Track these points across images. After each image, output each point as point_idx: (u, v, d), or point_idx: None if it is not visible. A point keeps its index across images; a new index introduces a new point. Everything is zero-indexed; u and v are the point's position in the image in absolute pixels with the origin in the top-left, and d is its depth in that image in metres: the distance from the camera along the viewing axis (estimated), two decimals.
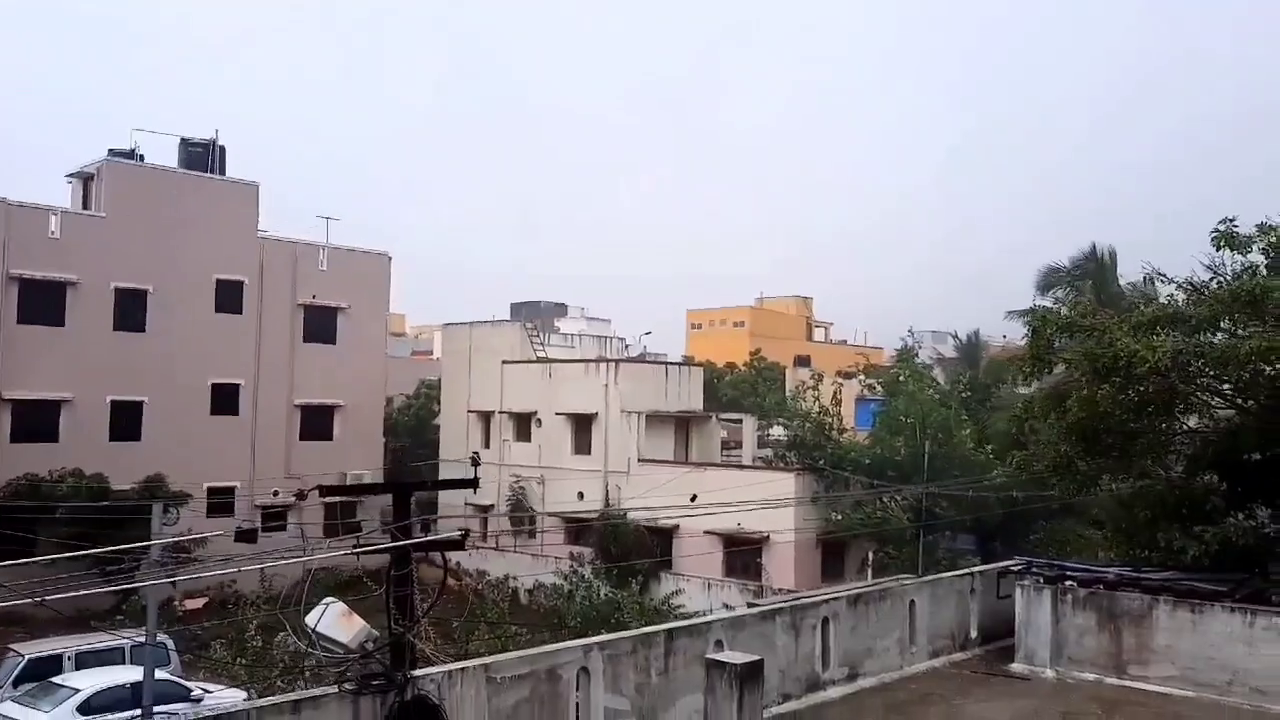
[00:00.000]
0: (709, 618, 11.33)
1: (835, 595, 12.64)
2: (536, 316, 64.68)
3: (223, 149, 39.71)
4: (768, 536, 33.25)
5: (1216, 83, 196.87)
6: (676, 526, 35.20)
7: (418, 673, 8.42)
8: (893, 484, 31.93)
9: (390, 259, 44.03)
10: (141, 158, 37.81)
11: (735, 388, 69.43)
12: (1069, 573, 13.81)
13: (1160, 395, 13.63)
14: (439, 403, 56.40)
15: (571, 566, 36.07)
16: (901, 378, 34.55)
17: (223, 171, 39.66)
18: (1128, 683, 12.80)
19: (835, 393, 35.86)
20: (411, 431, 51.27)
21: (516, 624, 27.91)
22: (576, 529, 38.91)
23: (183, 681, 22.28)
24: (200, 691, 22.06)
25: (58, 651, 22.96)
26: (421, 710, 8.92)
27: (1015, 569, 14.58)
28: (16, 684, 22.11)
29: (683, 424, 41.08)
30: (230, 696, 22.63)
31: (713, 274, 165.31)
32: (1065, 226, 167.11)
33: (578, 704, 9.09)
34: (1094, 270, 40.41)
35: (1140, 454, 14.34)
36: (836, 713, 11.36)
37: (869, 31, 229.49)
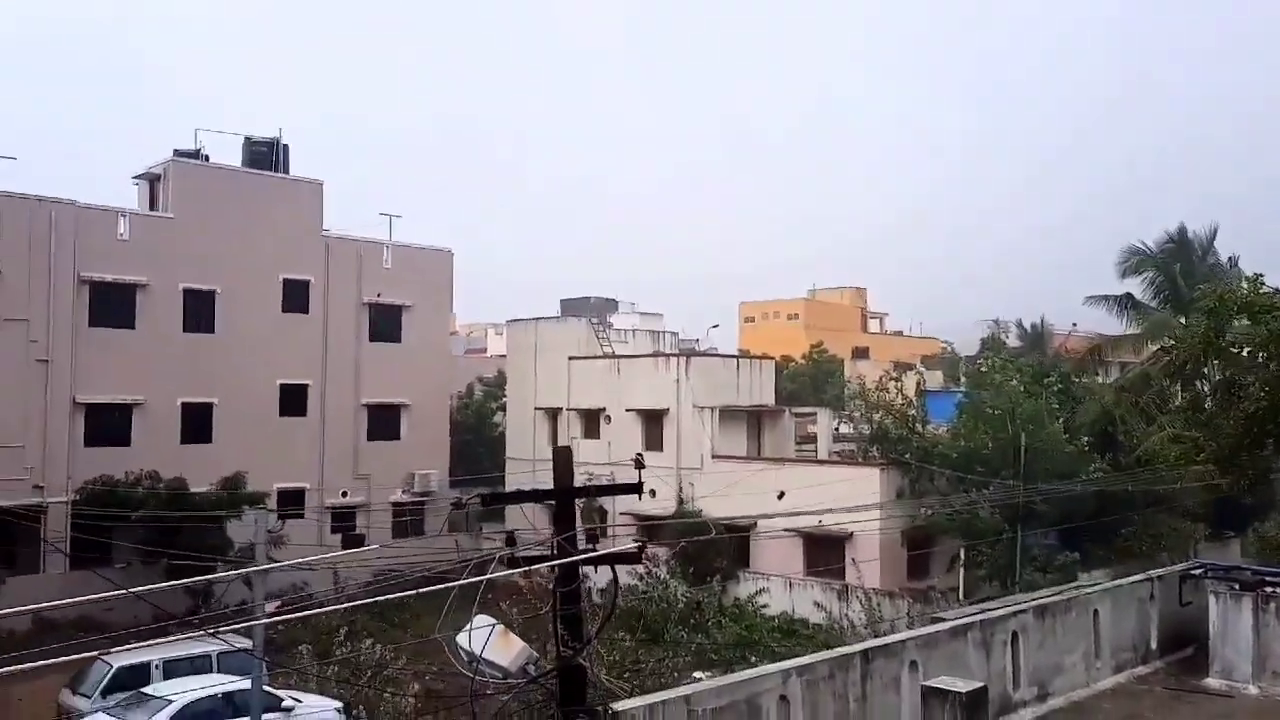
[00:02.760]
0: (900, 635, 10.45)
1: (1022, 607, 11.70)
2: (588, 312, 64.01)
3: (286, 147, 39.35)
4: (851, 534, 32.21)
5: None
6: (754, 524, 34.27)
7: (619, 706, 7.64)
8: (981, 478, 30.78)
9: (453, 255, 43.53)
10: (206, 158, 37.53)
11: (793, 381, 68.33)
12: (1268, 579, 12.73)
13: None
14: (496, 400, 55.96)
15: (646, 566, 35.24)
16: (985, 368, 33.31)
17: (286, 170, 39.30)
18: None
19: (919, 384, 34.71)
20: (471, 429, 50.80)
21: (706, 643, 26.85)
22: (650, 526, 38.08)
23: (272, 690, 21.75)
24: (291, 700, 21.54)
25: (146, 660, 22.55)
26: None
27: (1196, 573, 13.51)
28: (105, 694, 21.75)
29: (755, 418, 40.15)
30: (322, 705, 22.16)
31: (740, 271, 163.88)
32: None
33: None
34: (1178, 251, 38.93)
35: None
36: None
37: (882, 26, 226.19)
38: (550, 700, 8.46)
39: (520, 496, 10.27)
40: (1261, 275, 13.76)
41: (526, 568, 8.52)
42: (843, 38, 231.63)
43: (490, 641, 9.08)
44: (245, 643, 24.02)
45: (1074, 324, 68.54)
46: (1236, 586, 12.57)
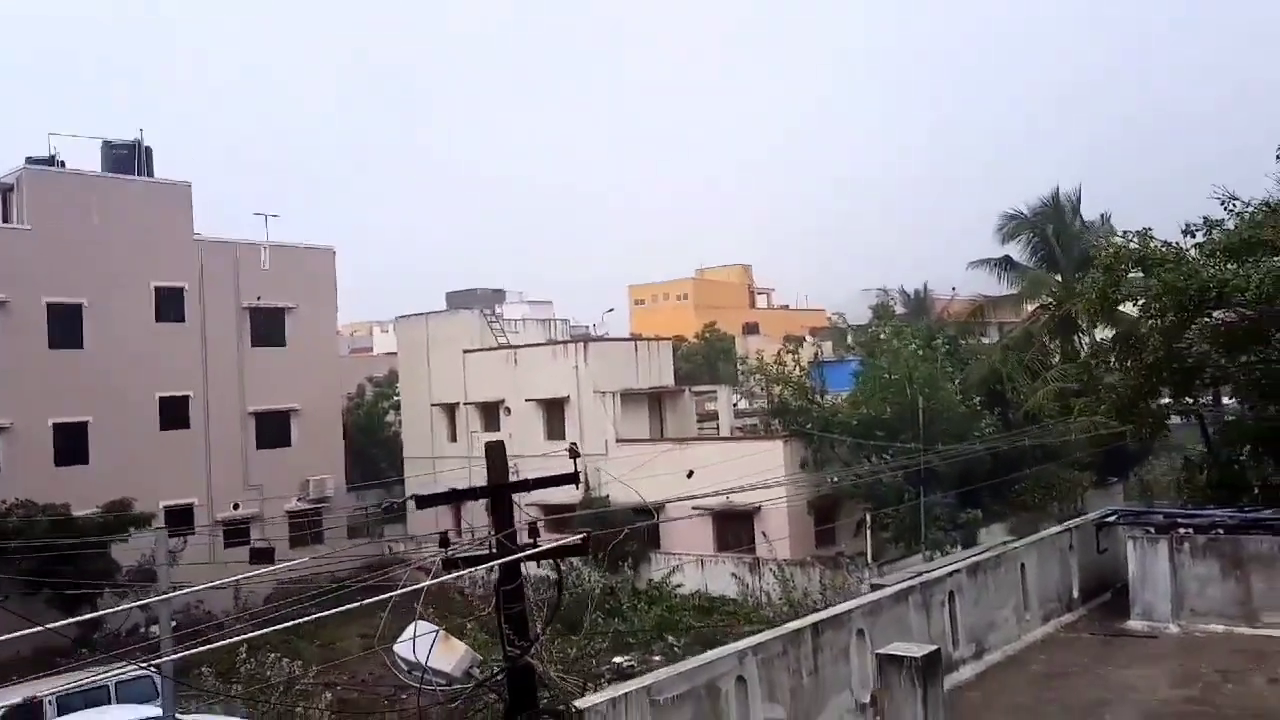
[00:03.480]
0: (847, 605, 10.39)
1: (956, 566, 11.80)
2: (475, 304, 63.03)
3: (149, 149, 37.39)
4: (759, 508, 32.45)
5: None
6: (662, 505, 34.24)
7: (582, 704, 7.32)
8: (882, 443, 31.40)
9: (334, 253, 42.13)
10: (62, 164, 35.37)
11: (688, 360, 68.66)
12: (1179, 521, 13.14)
13: (1255, 326, 12.98)
14: (388, 399, 54.62)
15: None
16: (883, 335, 33.97)
17: (150, 173, 37.35)
18: (1265, 631, 12.15)
19: (817, 355, 35.17)
20: (364, 430, 49.50)
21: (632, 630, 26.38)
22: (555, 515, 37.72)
23: (181, 717, 20.65)
24: None
25: (38, 696, 21.16)
26: None
27: (1110, 520, 13.88)
28: None
29: (655, 400, 40.11)
30: None
31: (622, 254, 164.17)
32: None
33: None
34: (1052, 213, 40.41)
35: (1240, 390, 13.69)
36: (981, 695, 10.48)
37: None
38: (500, 702, 8.09)
39: (455, 495, 9.84)
40: (1150, 229, 14.28)
41: (469, 568, 8.10)
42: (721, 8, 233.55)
43: (430, 647, 8.65)
44: (141, 671, 22.90)
45: (954, 289, 70.72)
46: (1152, 530, 13.02)
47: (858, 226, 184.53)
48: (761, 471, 30.00)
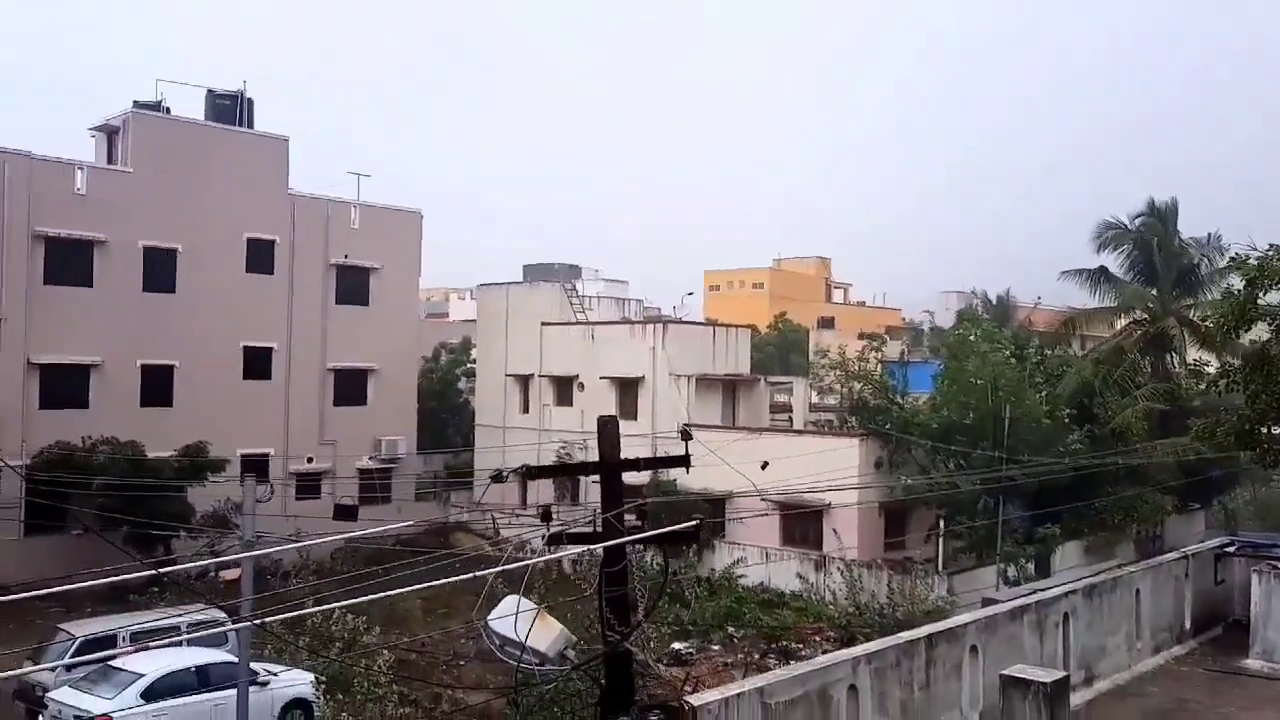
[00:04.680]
0: (962, 619, 10.01)
1: (1073, 588, 11.34)
2: (552, 279, 63.16)
3: (250, 101, 37.90)
4: (829, 504, 31.93)
5: None
6: (730, 494, 33.89)
7: (697, 701, 7.08)
8: (961, 449, 30.63)
9: (422, 217, 42.37)
10: (168, 110, 36.03)
11: (759, 350, 68.04)
12: None
13: None
14: (461, 366, 55.01)
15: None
16: (972, 337, 33.08)
17: (251, 125, 37.88)
18: None
19: (902, 354, 34.44)
20: (435, 396, 49.88)
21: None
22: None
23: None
24: (265, 673, 20.75)
25: (111, 631, 21.63)
26: None
27: (1230, 551, 13.23)
28: (70, 667, 20.80)
29: (730, 387, 39.70)
30: (296, 678, 21.44)
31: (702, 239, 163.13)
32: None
33: None
34: (1155, 225, 38.99)
35: None
36: None
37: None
38: (595, 687, 7.88)
39: (565, 469, 9.78)
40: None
41: (580, 548, 7.88)
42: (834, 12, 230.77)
43: (525, 624, 8.46)
44: (217, 614, 23.26)
45: (1039, 297, 69.04)
46: (1279, 565, 12.33)
47: (927, 228, 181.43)
48: (835, 468, 29.50)
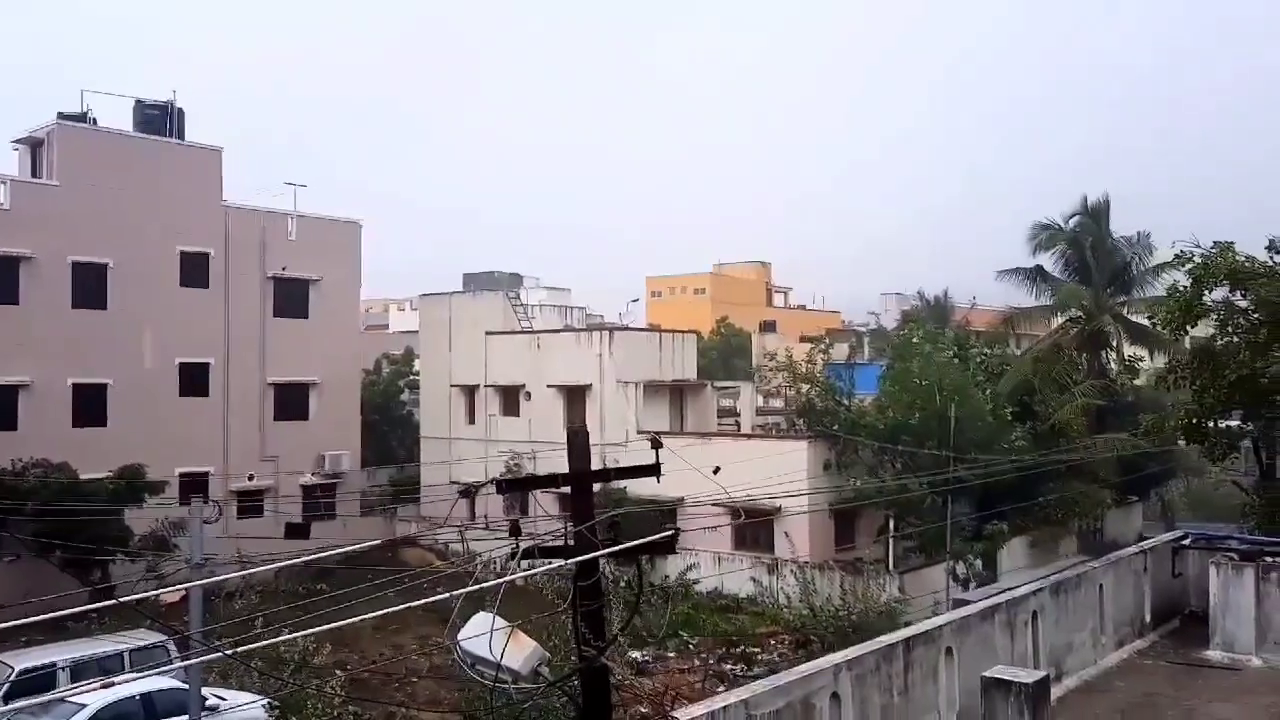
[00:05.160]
0: (937, 621, 9.99)
1: (1040, 585, 11.39)
2: (493, 287, 62.66)
3: (181, 111, 36.93)
4: (779, 508, 32.04)
5: None
6: (681, 500, 33.85)
7: (682, 716, 6.93)
8: (908, 449, 30.96)
9: (361, 227, 41.71)
10: (94, 121, 34.97)
11: (703, 355, 68.15)
12: (1266, 549, 12.68)
13: None
14: (403, 378, 54.29)
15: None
16: (915, 338, 33.48)
17: (182, 136, 36.93)
18: None
19: (851, 355, 34.72)
20: (378, 408, 49.16)
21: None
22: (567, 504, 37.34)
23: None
24: (215, 699, 20.16)
25: (50, 661, 20.84)
26: None
27: (1185, 544, 13.44)
28: (7, 699, 20.01)
29: (677, 393, 39.70)
30: (246, 701, 20.86)
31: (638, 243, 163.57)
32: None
33: None
34: (1089, 225, 39.92)
35: None
36: None
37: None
38: (572, 704, 7.71)
39: (534, 482, 9.42)
40: (1233, 243, 13.80)
41: (550, 564, 7.70)
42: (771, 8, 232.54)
43: (495, 641, 8.25)
44: (158, 637, 22.56)
45: (974, 297, 70.13)
46: (1235, 557, 12.56)
47: (863, 228, 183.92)
48: (785, 471, 29.61)
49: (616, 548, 7.84)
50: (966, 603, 11.07)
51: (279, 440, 37.77)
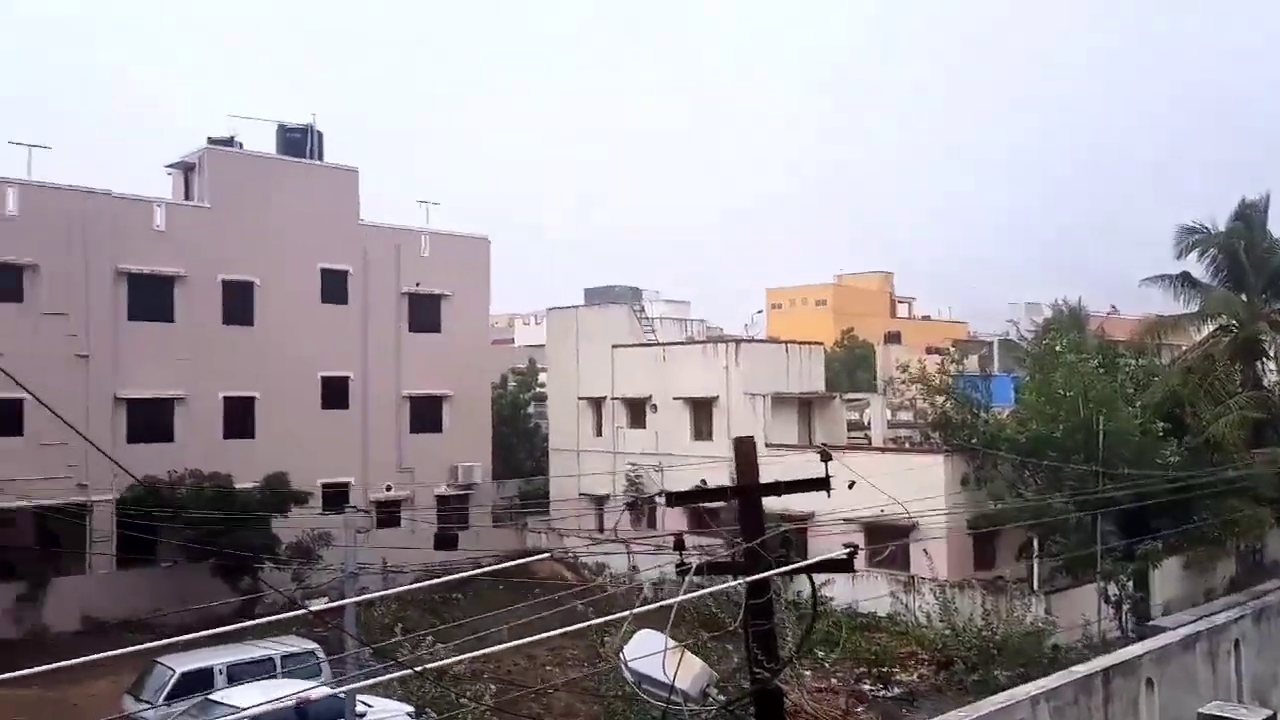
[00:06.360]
0: (1135, 650, 9.50)
1: (1241, 613, 10.73)
2: (613, 301, 63.17)
3: (320, 134, 38.41)
4: (915, 524, 31.17)
5: None
6: (811, 514, 33.29)
7: None
8: (1053, 463, 29.74)
9: (489, 243, 42.54)
10: (240, 145, 36.60)
11: (827, 367, 67.19)
12: None
13: None
14: (528, 391, 55.09)
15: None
16: (1059, 347, 32.22)
17: (321, 157, 38.35)
18: None
19: (986, 366, 33.61)
20: (505, 420, 49.97)
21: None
22: (700, 517, 37.12)
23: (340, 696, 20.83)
24: (362, 705, 20.62)
25: (208, 664, 21.70)
26: None
27: None
28: (169, 699, 20.90)
29: (805, 406, 39.13)
30: (393, 709, 21.29)
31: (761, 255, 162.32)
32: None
33: None
34: (1240, 229, 37.76)
35: None
36: None
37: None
38: None
39: (702, 495, 9.30)
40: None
41: (719, 585, 7.53)
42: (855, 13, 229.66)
43: (662, 660, 8.11)
44: (309, 644, 23.28)
45: (1113, 305, 67.35)
46: None
47: (984, 240, 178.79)
48: (919, 486, 28.81)
49: (791, 567, 7.62)
50: (1162, 630, 10.40)
51: (415, 452, 38.71)
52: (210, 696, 20.05)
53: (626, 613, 7.35)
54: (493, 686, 20.84)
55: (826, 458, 8.55)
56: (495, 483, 42.43)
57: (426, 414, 39.43)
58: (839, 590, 32.35)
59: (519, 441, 50.30)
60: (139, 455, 31.34)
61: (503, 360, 61.67)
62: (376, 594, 20.89)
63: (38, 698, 22.61)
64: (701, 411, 38.21)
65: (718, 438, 37.41)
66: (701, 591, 7.56)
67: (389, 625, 25.79)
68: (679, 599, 7.21)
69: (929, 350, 62.68)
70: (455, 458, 39.58)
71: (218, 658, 21.88)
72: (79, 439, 29.10)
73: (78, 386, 30.24)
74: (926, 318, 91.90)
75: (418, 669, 12.40)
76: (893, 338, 73.33)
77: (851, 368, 68.75)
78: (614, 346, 40.88)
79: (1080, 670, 8.54)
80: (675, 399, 38.64)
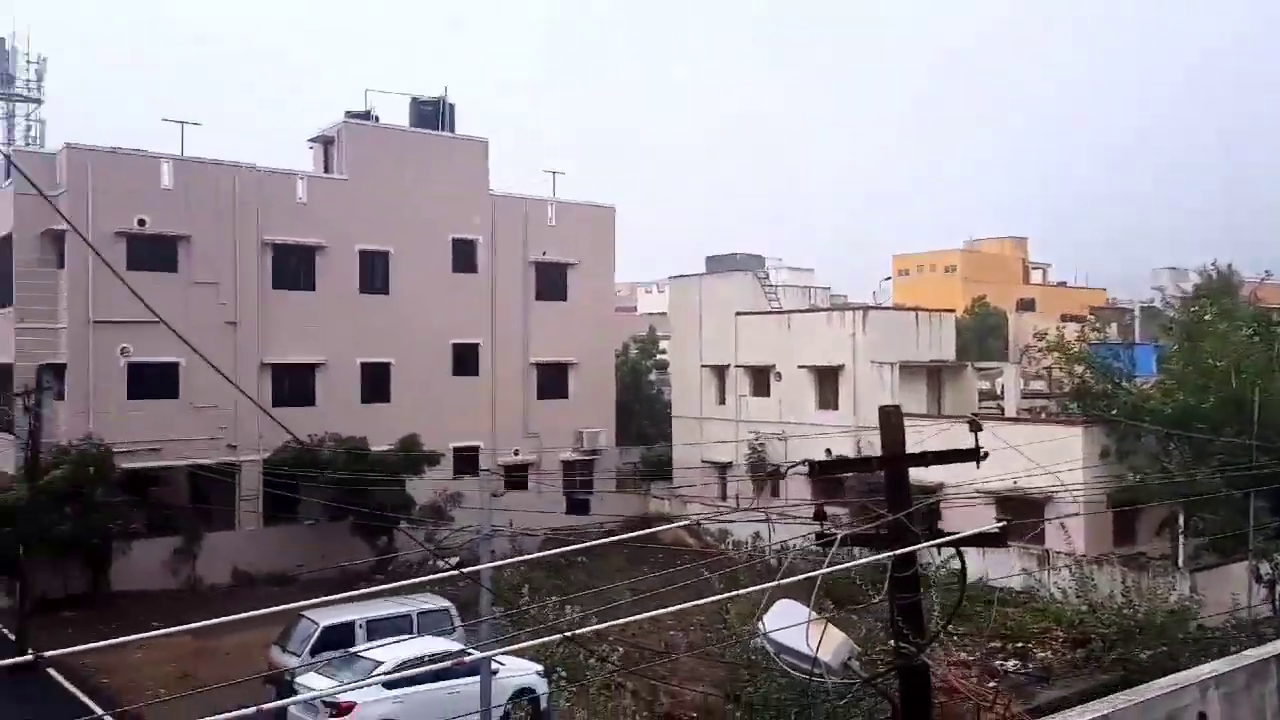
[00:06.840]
0: None
1: None
2: (735, 269, 62.70)
3: (452, 106, 39.18)
4: (1050, 497, 30.20)
5: None
6: (941, 484, 32.58)
7: None
8: (1202, 436, 28.32)
9: (615, 211, 42.76)
10: (376, 118, 37.61)
11: (957, 335, 65.47)
12: None
13: None
14: (650, 358, 55.37)
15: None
16: (1209, 315, 30.62)
17: (452, 129, 39.11)
18: None
19: (1129, 335, 32.21)
20: (628, 388, 50.35)
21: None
22: (826, 486, 36.73)
23: (476, 653, 21.47)
24: (496, 664, 21.21)
25: (350, 619, 22.64)
26: None
27: None
28: (314, 652, 21.91)
29: (934, 374, 38.26)
30: (523, 668, 21.83)
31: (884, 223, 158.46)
32: None
33: None
34: None
35: None
36: None
37: None
38: (886, 703, 7.44)
39: (847, 464, 9.20)
40: None
41: (868, 559, 7.44)
42: None
43: (803, 632, 8.09)
44: (443, 602, 24.03)
45: (1266, 270, 63.48)
46: None
47: (1126, 204, 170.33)
48: (1056, 458, 27.86)
49: (940, 540, 7.48)
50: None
51: (541, 418, 39.44)
52: (355, 651, 20.92)
53: (768, 585, 7.34)
54: (620, 648, 21.04)
55: (977, 428, 8.36)
56: (619, 449, 42.88)
57: (552, 381, 40.08)
58: (968, 564, 31.72)
59: (641, 408, 50.65)
60: (283, 418, 32.60)
61: (625, 328, 62.12)
62: (516, 559, 21.34)
63: (196, 647, 24.00)
64: (826, 380, 37.74)
65: (843, 406, 36.97)
66: (850, 564, 7.48)
67: (517, 585, 26.42)
68: (823, 571, 7.17)
69: (1065, 318, 60.40)
70: (580, 424, 40.14)
71: (358, 613, 22.78)
72: (229, 402, 30.80)
73: (227, 352, 31.69)
74: (1063, 284, 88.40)
75: (566, 634, 12.37)
76: (1026, 305, 71.03)
77: (982, 336, 66.79)
78: (737, 314, 40.67)
79: (1252, 655, 8.14)
80: (800, 367, 38.25)
